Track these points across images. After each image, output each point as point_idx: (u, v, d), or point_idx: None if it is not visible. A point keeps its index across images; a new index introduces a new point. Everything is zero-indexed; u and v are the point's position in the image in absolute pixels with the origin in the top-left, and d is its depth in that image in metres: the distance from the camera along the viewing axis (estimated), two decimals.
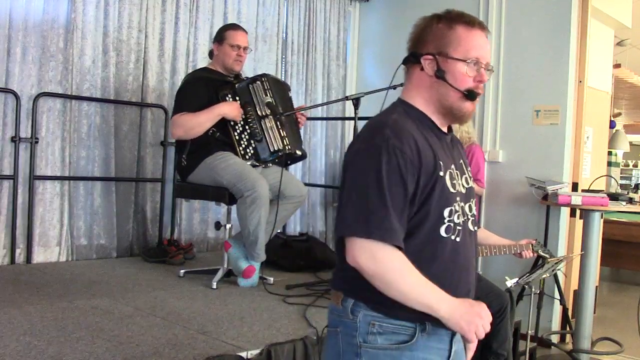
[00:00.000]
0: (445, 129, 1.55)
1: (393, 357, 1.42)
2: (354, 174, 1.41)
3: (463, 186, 1.52)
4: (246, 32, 3.74)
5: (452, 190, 1.46)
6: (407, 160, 1.38)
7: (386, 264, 1.36)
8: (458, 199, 1.48)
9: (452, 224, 1.46)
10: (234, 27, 3.77)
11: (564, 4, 4.41)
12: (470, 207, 1.54)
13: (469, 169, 1.61)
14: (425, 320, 1.42)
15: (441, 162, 1.44)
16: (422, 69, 1.50)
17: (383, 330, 1.43)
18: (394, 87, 2.06)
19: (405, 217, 1.39)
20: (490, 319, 1.41)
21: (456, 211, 1.47)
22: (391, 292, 1.38)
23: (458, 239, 1.47)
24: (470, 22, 1.48)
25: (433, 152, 1.44)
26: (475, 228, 1.58)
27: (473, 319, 1.38)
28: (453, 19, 1.49)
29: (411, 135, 1.42)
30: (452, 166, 1.50)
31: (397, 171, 1.36)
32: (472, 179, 1.61)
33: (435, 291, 1.38)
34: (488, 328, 1.40)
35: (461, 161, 1.57)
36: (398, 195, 1.37)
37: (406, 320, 1.43)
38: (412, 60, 1.53)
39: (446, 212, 1.44)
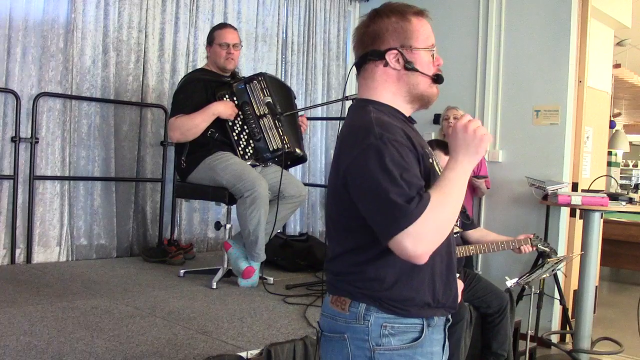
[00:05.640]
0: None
1: (407, 356, 1.45)
2: (363, 180, 1.37)
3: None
4: (235, 29, 3.74)
5: (440, 174, 1.50)
6: (406, 149, 1.39)
7: (428, 227, 1.32)
8: None
9: None
10: (221, 26, 3.78)
11: (564, 4, 4.41)
12: None
13: None
14: (434, 315, 1.47)
15: (427, 149, 1.50)
16: (385, 64, 1.52)
17: (395, 331, 1.44)
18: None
19: (422, 182, 1.39)
20: (477, 122, 1.44)
21: None
22: (452, 219, 1.39)
23: None
24: (419, 11, 1.54)
25: (419, 141, 1.48)
26: None
27: (471, 138, 1.42)
28: (403, 11, 1.52)
29: (397, 127, 1.44)
30: (431, 152, 1.55)
31: (400, 160, 1.37)
32: None
33: (448, 174, 1.41)
34: (484, 129, 1.44)
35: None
36: (411, 179, 1.35)
37: (416, 317, 1.46)
38: (371, 58, 1.53)
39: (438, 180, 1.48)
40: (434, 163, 1.51)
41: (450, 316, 1.58)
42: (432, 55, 1.53)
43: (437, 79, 1.54)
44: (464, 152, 1.42)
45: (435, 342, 1.50)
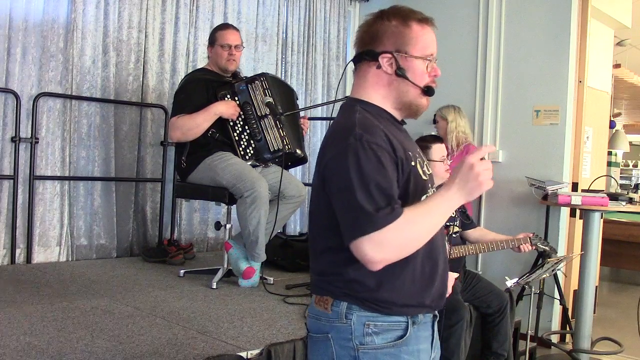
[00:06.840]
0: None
1: (392, 355, 1.44)
2: (337, 179, 1.39)
3: (428, 174, 1.55)
4: (237, 30, 3.73)
5: (424, 177, 1.50)
6: (384, 152, 1.38)
7: (392, 238, 1.33)
8: (430, 185, 1.53)
9: None
10: (223, 27, 3.76)
11: (564, 4, 4.41)
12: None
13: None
14: (418, 313, 1.46)
15: (410, 152, 1.47)
16: (378, 66, 1.51)
17: (378, 329, 1.44)
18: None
19: (396, 194, 1.38)
20: (486, 165, 1.40)
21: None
22: (421, 240, 1.38)
23: None
24: (424, 19, 1.52)
25: (401, 143, 1.45)
26: None
27: (472, 178, 1.39)
28: (407, 16, 1.50)
29: (380, 129, 1.43)
30: (417, 154, 1.52)
31: (377, 164, 1.36)
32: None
33: (434, 198, 1.40)
34: (489, 174, 1.41)
35: (419, 150, 1.60)
36: (384, 185, 1.35)
37: (399, 315, 1.45)
38: (366, 58, 1.52)
39: (424, 199, 1.47)
40: (417, 165, 1.47)
41: (439, 313, 1.56)
42: (428, 66, 1.51)
43: (427, 91, 1.51)
44: (458, 187, 1.39)
45: (422, 339, 1.49)
